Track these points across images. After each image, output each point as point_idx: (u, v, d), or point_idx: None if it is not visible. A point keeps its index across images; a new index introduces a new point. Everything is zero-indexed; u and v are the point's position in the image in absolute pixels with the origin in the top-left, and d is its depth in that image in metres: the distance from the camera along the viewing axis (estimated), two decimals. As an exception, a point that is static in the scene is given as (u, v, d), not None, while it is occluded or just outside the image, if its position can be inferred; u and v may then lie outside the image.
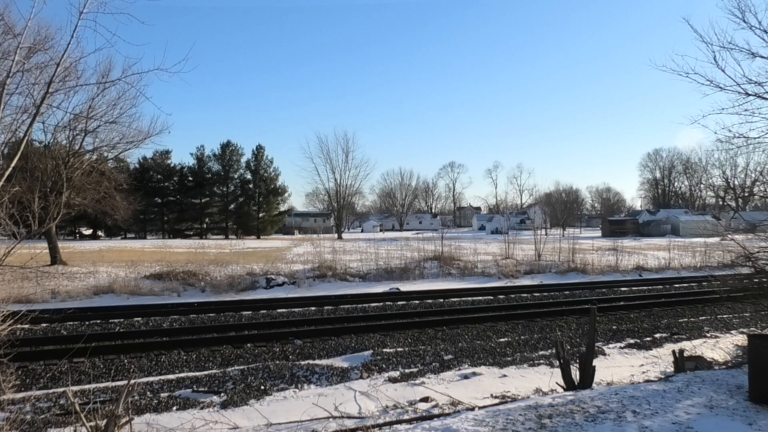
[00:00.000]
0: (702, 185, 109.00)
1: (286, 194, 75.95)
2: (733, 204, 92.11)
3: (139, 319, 12.65)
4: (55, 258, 23.31)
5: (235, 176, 71.34)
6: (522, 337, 10.86)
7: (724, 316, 13.44)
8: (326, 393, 7.32)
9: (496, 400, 6.97)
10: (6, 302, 7.03)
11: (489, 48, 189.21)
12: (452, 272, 22.81)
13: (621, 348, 10.19)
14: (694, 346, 9.92)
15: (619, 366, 8.95)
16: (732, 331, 11.71)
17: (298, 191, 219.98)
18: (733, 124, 17.96)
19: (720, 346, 10.10)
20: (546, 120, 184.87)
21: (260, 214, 71.92)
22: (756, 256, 8.94)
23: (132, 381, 5.81)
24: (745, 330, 11.76)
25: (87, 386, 7.41)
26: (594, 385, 6.88)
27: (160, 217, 68.22)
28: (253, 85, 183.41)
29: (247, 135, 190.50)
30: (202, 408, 6.73)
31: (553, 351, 9.26)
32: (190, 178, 68.98)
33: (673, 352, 7.94)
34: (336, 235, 65.65)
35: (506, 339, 10.65)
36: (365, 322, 11.85)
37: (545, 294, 17.06)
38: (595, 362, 7.11)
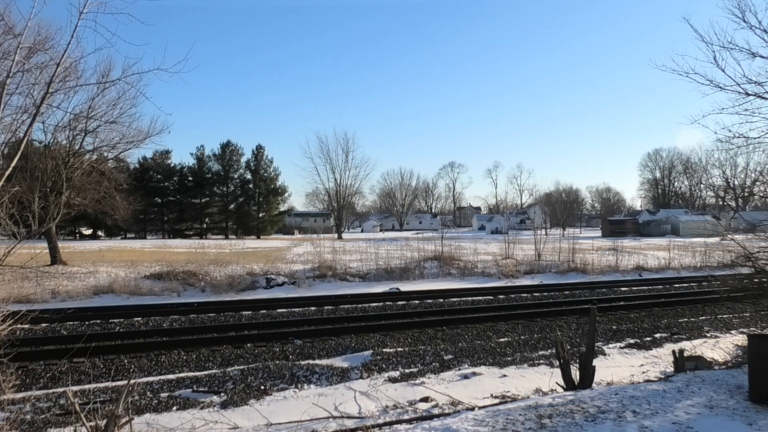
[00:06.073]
0: (702, 185, 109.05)
1: (286, 194, 76.01)
2: (733, 204, 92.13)
3: (139, 319, 12.65)
4: (55, 258, 23.31)
5: (235, 176, 71.35)
6: (522, 337, 10.86)
7: (724, 316, 13.43)
8: (326, 393, 7.32)
9: (496, 400, 6.97)
10: (6, 302, 7.02)
11: (489, 48, 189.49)
12: (452, 272, 22.81)
13: (621, 348, 10.19)
14: (694, 346, 9.92)
15: (619, 366, 8.95)
16: (732, 331, 11.71)
17: (298, 191, 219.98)
18: (733, 124, 18.02)
19: (720, 346, 10.09)
20: (546, 120, 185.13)
21: (260, 214, 71.91)
22: (756, 256, 8.94)
23: (132, 381, 5.80)
24: (745, 330, 11.76)
25: (87, 386, 7.41)
26: (594, 385, 6.88)
27: (160, 217, 68.23)
28: (253, 85, 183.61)
29: (247, 135, 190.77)
30: (202, 408, 6.73)
31: (553, 351, 9.26)
32: (190, 178, 68.98)
33: (673, 352, 7.94)
34: (336, 235, 65.59)
35: (506, 339, 10.65)
36: (365, 322, 11.85)
37: (545, 294, 17.06)
38: (595, 362, 7.11)
